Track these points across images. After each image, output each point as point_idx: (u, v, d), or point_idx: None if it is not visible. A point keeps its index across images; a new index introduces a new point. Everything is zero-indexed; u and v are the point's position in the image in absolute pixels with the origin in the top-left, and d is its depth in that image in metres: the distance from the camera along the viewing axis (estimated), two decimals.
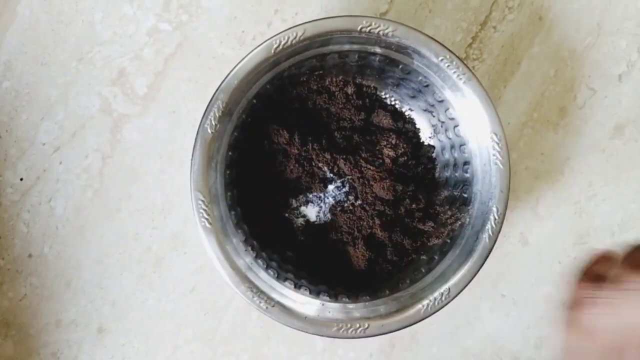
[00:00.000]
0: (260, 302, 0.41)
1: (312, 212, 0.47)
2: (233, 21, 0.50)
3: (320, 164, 0.46)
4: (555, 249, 0.52)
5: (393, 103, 0.49)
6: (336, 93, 0.48)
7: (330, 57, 0.44)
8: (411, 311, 0.42)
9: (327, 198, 0.47)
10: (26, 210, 0.50)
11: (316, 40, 0.41)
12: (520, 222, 0.52)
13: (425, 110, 0.47)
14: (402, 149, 0.47)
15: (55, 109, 0.50)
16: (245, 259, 0.42)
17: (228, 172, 0.43)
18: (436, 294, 0.42)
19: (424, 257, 0.45)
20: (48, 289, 0.50)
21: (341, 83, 0.47)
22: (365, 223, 0.46)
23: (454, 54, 0.41)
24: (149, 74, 0.50)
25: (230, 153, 0.43)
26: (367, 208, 0.46)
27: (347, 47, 0.43)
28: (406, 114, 0.49)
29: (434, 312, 0.41)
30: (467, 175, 0.44)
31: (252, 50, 0.41)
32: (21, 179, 0.50)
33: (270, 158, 0.46)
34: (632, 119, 0.52)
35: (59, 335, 0.50)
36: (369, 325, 0.41)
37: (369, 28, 0.41)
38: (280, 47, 0.41)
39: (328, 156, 0.46)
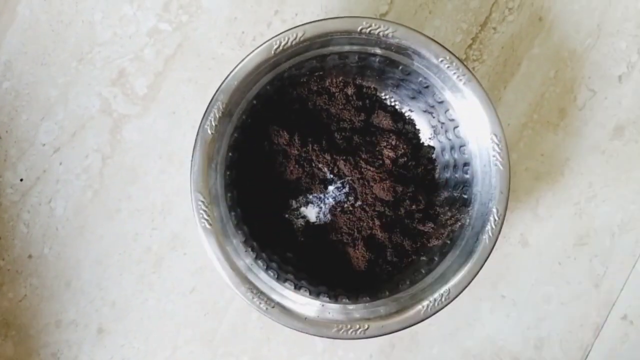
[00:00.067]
0: (260, 303, 0.41)
1: (312, 213, 0.47)
2: (233, 22, 0.50)
3: (320, 165, 0.46)
4: (555, 250, 0.52)
5: (393, 104, 0.49)
6: (336, 94, 0.48)
7: (330, 58, 0.44)
8: (411, 312, 0.42)
9: (327, 199, 0.47)
10: (26, 211, 0.50)
11: (316, 41, 0.41)
12: (520, 223, 0.52)
13: (425, 111, 0.47)
14: (402, 150, 0.47)
15: (55, 109, 0.50)
16: (245, 259, 0.42)
17: (228, 172, 0.43)
18: (436, 295, 0.42)
19: (424, 258, 0.45)
20: (48, 289, 0.50)
21: (341, 84, 0.47)
22: (365, 224, 0.46)
23: (454, 55, 0.41)
24: (149, 75, 0.50)
25: (230, 154, 0.43)
26: (367, 209, 0.46)
27: (347, 48, 0.43)
28: (406, 115, 0.49)
29: (434, 313, 0.41)
30: (467, 176, 0.44)
31: (252, 51, 0.41)
32: (21, 180, 0.50)
33: (270, 159, 0.46)
34: (632, 120, 0.52)
35: (59, 335, 0.50)
36: (368, 326, 0.41)
37: (369, 29, 0.41)
38: (281, 48, 0.41)
39: (328, 157, 0.46)
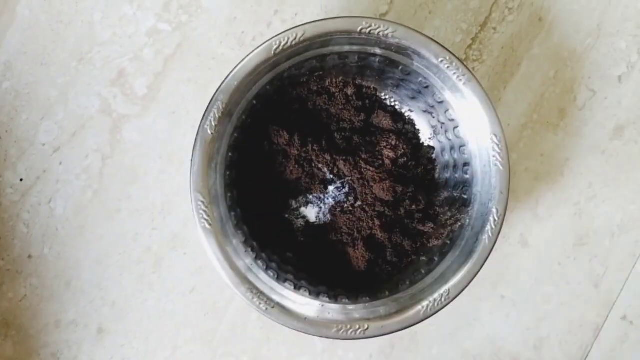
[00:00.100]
0: (260, 303, 0.41)
1: (312, 213, 0.47)
2: (233, 22, 0.50)
3: (320, 165, 0.46)
4: (555, 250, 0.52)
5: (393, 104, 0.49)
6: (336, 94, 0.48)
7: (330, 58, 0.44)
8: (411, 312, 0.42)
9: (327, 199, 0.47)
10: (26, 211, 0.50)
11: (316, 41, 0.41)
12: (520, 224, 0.52)
13: (425, 112, 0.47)
14: (402, 150, 0.47)
15: (55, 109, 0.50)
16: (245, 260, 0.42)
17: (228, 173, 0.43)
18: (436, 295, 0.42)
19: (423, 258, 0.45)
20: (48, 289, 0.50)
21: (341, 84, 0.47)
22: (365, 224, 0.46)
23: (454, 55, 0.41)
24: (148, 75, 0.50)
25: (230, 154, 0.43)
26: (367, 209, 0.46)
27: (347, 48, 0.43)
28: (406, 115, 0.49)
29: (434, 314, 0.41)
30: (467, 176, 0.44)
31: (252, 51, 0.41)
32: (21, 180, 0.50)
33: (270, 159, 0.46)
34: (632, 120, 0.52)
35: (59, 335, 0.50)
36: (368, 326, 0.41)
37: (369, 29, 0.41)
38: (280, 48, 0.41)
39: (328, 157, 0.46)
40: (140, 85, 0.50)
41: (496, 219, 0.42)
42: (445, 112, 0.45)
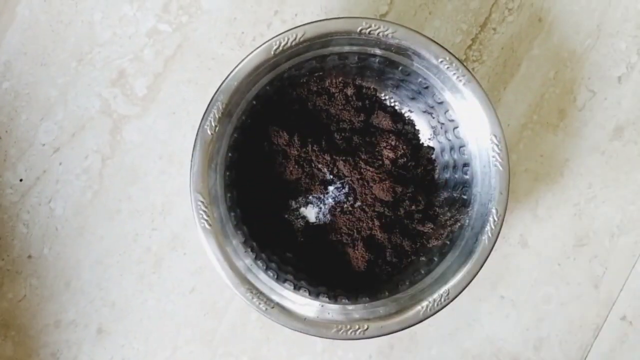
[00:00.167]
0: (259, 303, 0.41)
1: (311, 213, 0.47)
2: (233, 22, 0.50)
3: (319, 166, 0.46)
4: (555, 250, 0.52)
5: (393, 104, 0.49)
6: (336, 94, 0.48)
7: (330, 58, 0.44)
8: (410, 313, 0.42)
9: (327, 199, 0.47)
10: (26, 211, 0.50)
11: (316, 41, 0.41)
12: (519, 224, 0.52)
13: (425, 112, 0.47)
14: (402, 151, 0.47)
15: (54, 109, 0.50)
16: (245, 260, 0.42)
17: (228, 173, 0.43)
18: (435, 296, 0.42)
19: (423, 258, 0.45)
20: (48, 289, 0.50)
21: (341, 84, 0.48)
22: (364, 224, 0.46)
23: (454, 55, 0.41)
24: (148, 75, 0.50)
25: (230, 154, 0.43)
26: (367, 209, 0.46)
27: (347, 48, 0.43)
28: (406, 115, 0.49)
29: (433, 314, 0.42)
30: (467, 176, 0.44)
31: (252, 52, 0.41)
32: (21, 180, 0.50)
33: (269, 159, 0.46)
34: (632, 120, 0.52)
35: (59, 336, 0.50)
36: (368, 326, 0.41)
37: (368, 29, 0.41)
38: (280, 48, 0.41)
39: (328, 157, 0.46)
40: (141, 85, 0.50)
41: (496, 219, 0.42)
42: (445, 113, 0.45)
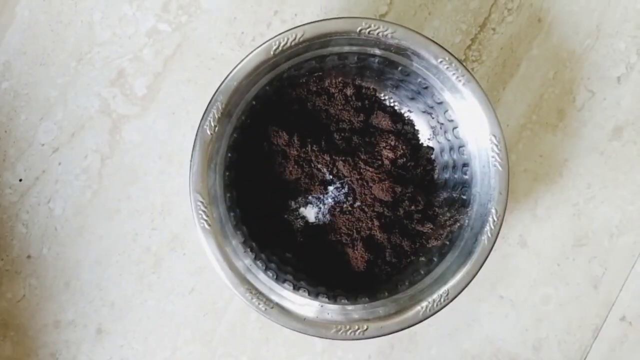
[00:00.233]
0: (259, 304, 0.41)
1: (311, 213, 0.47)
2: (232, 22, 0.50)
3: (319, 166, 0.46)
4: (554, 251, 0.52)
5: (392, 105, 0.49)
6: (335, 94, 0.48)
7: (329, 58, 0.44)
8: (410, 313, 0.42)
9: (326, 199, 0.47)
10: (25, 211, 0.50)
11: (316, 41, 0.41)
12: (518, 224, 0.52)
13: (424, 112, 0.47)
14: (401, 151, 0.47)
15: (54, 109, 0.50)
16: (245, 260, 0.42)
17: (227, 173, 0.43)
18: (435, 296, 0.42)
19: (422, 258, 0.45)
20: (47, 289, 0.50)
21: (340, 84, 0.48)
22: (364, 224, 0.46)
23: (453, 55, 0.41)
24: (148, 75, 0.50)
25: (229, 154, 0.43)
26: (366, 209, 0.46)
27: (346, 48, 0.43)
28: (405, 115, 0.49)
29: (433, 314, 0.42)
30: (466, 177, 0.44)
31: (252, 52, 0.41)
32: (20, 180, 0.50)
33: (269, 159, 0.46)
34: (631, 121, 0.52)
35: (58, 336, 0.50)
36: (367, 327, 0.41)
37: (368, 30, 0.41)
38: (280, 48, 0.41)
39: (327, 158, 0.46)
40: (140, 85, 0.50)
41: (495, 219, 0.42)
42: (444, 113, 0.45)
